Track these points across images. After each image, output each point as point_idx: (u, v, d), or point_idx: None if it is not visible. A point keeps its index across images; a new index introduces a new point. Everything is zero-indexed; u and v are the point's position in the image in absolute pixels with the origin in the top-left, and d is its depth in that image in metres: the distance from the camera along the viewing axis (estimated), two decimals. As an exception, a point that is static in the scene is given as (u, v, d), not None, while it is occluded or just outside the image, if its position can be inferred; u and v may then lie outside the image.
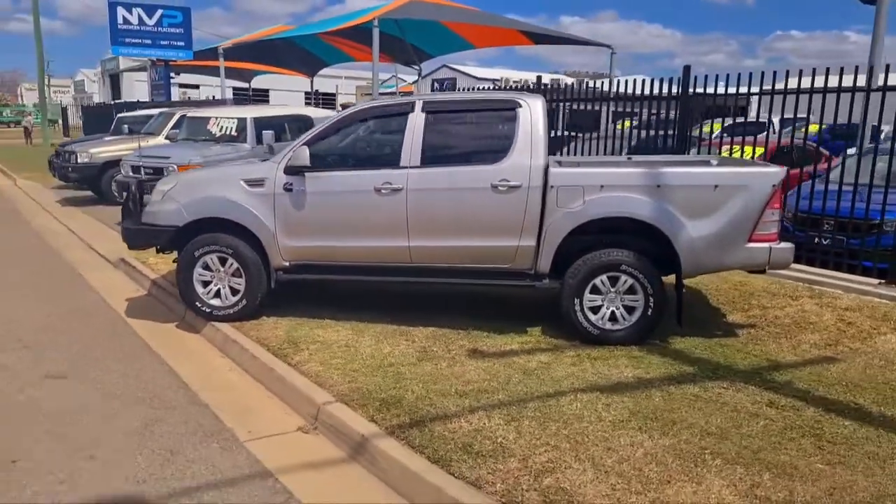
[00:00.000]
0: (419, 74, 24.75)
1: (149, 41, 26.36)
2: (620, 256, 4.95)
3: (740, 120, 8.51)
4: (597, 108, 9.79)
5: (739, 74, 7.67)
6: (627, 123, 9.37)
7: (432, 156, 5.16)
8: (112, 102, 32.82)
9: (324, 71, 28.88)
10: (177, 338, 5.41)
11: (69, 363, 4.77)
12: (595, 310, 5.04)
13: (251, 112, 10.77)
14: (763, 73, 7.44)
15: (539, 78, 10.46)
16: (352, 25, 18.45)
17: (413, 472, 3.19)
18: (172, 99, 27.53)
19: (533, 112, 5.08)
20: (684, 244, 4.86)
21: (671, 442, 3.48)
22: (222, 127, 10.58)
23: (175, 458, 3.48)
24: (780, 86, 7.15)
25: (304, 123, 11.19)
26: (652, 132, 8.68)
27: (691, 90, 8.06)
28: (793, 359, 4.86)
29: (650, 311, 4.97)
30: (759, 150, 8.03)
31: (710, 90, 7.95)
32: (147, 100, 27.18)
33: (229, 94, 25.51)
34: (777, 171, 4.88)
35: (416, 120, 5.17)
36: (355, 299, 6.01)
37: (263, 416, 4.04)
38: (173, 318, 5.87)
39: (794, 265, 7.19)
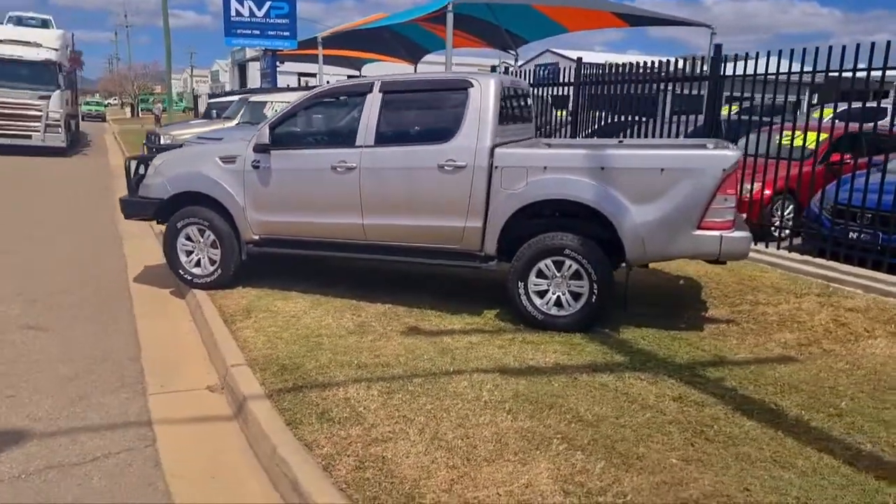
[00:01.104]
0: (515, 59, 24.58)
1: (257, 31, 27.93)
2: (564, 241, 4.83)
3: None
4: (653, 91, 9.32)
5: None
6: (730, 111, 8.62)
7: (385, 135, 5.26)
8: (238, 90, 35.08)
9: (428, 58, 29.32)
10: (161, 303, 5.87)
11: (55, 319, 5.33)
12: (542, 294, 4.96)
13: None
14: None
15: (579, 59, 10.15)
16: (436, 14, 18.71)
17: (264, 431, 3.36)
18: (279, 85, 28.97)
19: (483, 93, 5.04)
20: (628, 229, 4.67)
21: (530, 425, 3.43)
22: (276, 111, 11.18)
23: (80, 403, 3.87)
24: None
25: None
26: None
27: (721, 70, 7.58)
28: (744, 357, 4.55)
29: (594, 297, 4.82)
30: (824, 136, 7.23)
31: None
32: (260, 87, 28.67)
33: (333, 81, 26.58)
34: (728, 155, 4.56)
35: (374, 100, 5.29)
36: (332, 275, 6.24)
37: (186, 374, 4.36)
38: (172, 285, 6.36)
39: (821, 261, 6.72)
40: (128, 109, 63.44)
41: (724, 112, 8.14)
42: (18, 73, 18.71)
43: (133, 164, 6.19)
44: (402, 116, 5.39)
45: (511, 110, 5.65)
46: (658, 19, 21.10)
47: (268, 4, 28.09)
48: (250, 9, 27.90)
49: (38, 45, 19.45)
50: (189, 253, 5.87)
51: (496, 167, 4.93)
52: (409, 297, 5.61)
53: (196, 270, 5.86)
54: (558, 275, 4.90)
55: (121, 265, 7.21)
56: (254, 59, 40.56)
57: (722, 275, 6.48)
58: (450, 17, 15.95)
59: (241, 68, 52.37)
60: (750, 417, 3.62)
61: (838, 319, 5.25)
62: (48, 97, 18.84)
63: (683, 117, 8.05)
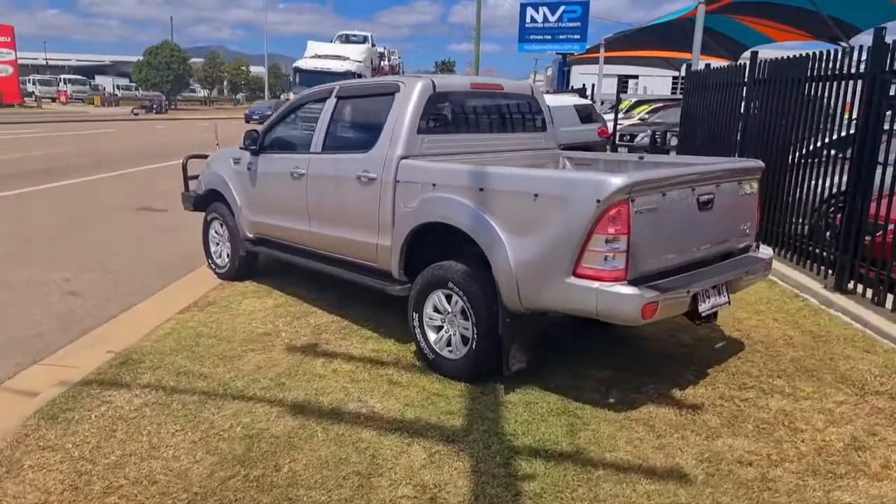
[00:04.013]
0: (849, 51, 20.62)
1: (549, 36, 28.39)
2: (449, 272, 4.11)
3: None
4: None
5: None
6: None
7: (331, 142, 5.07)
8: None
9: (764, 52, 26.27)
10: (194, 287, 6.47)
11: (90, 286, 6.23)
12: (438, 330, 4.31)
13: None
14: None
15: (754, 53, 8.11)
16: (720, 4, 16.87)
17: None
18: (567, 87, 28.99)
19: (404, 98, 4.52)
20: (502, 266, 3.76)
21: (202, 470, 3.08)
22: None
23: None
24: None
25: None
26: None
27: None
28: (621, 460, 3.35)
29: (474, 343, 4.02)
30: None
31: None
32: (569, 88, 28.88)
33: (607, 82, 25.64)
34: (604, 182, 3.33)
35: (329, 106, 5.14)
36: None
37: (87, 348, 4.72)
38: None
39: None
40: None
41: None
42: (325, 83, 22.16)
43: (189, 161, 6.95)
44: (346, 123, 5.12)
45: (477, 116, 4.96)
46: None
47: (562, 8, 28.28)
48: (544, 14, 28.41)
49: (346, 59, 22.77)
50: (217, 244, 6.44)
51: (398, 181, 4.40)
52: (364, 310, 5.35)
53: (219, 261, 6.41)
54: (450, 310, 4.19)
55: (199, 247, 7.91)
56: (578, 62, 41.19)
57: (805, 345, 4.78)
58: (701, 9, 14.39)
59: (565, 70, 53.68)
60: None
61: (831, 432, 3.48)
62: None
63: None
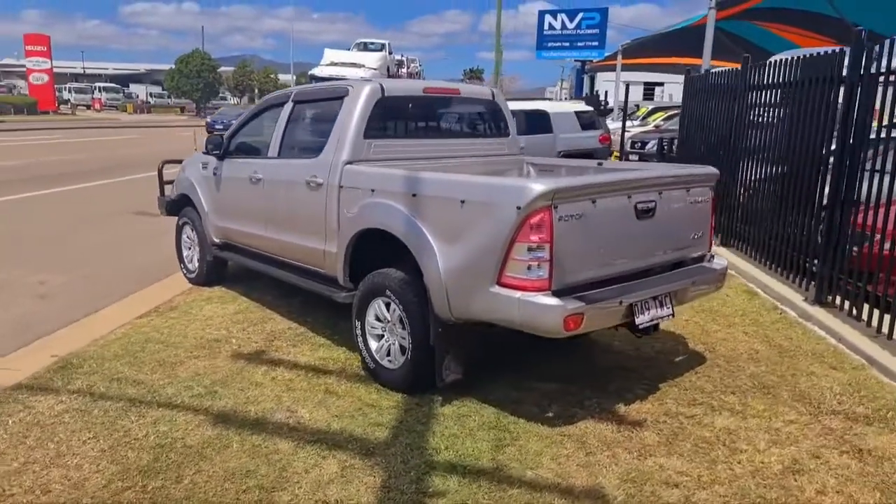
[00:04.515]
0: (877, 58, 20.07)
1: (567, 44, 28.23)
2: (387, 280, 4.01)
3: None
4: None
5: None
6: None
7: (286, 147, 5.01)
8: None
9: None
10: (163, 291, 6.43)
11: (62, 290, 6.24)
12: (379, 338, 4.21)
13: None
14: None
15: (746, 58, 7.85)
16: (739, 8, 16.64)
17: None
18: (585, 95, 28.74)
19: (351, 102, 4.45)
20: (432, 274, 3.65)
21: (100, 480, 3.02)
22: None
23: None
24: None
25: (539, 118, 11.14)
26: None
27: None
28: (530, 475, 3.21)
29: (410, 353, 3.91)
30: None
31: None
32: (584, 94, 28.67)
33: (631, 89, 25.21)
34: (524, 189, 3.20)
35: (286, 111, 5.09)
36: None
37: (35, 352, 4.68)
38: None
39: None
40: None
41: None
42: (340, 89, 22.23)
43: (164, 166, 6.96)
44: (300, 128, 5.06)
45: (431, 121, 4.87)
46: None
47: (580, 16, 28.15)
48: (563, 21, 28.26)
49: (361, 66, 22.81)
50: (189, 248, 6.43)
51: (342, 186, 4.33)
52: (331, 318, 5.26)
53: (190, 266, 6.40)
54: (389, 319, 4.09)
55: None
56: (602, 69, 40.88)
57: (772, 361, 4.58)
58: (711, 15, 14.20)
59: (591, 79, 53.32)
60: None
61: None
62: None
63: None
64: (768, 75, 6.90)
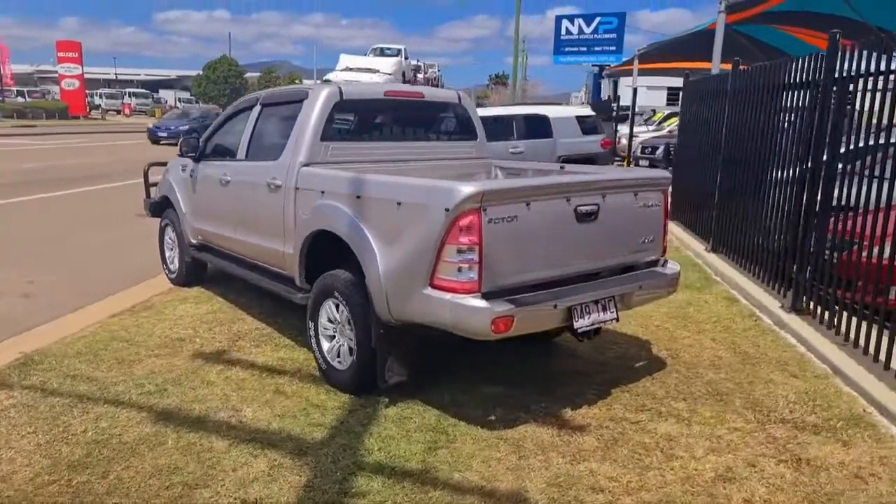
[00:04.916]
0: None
1: (584, 48, 28.06)
2: (335, 281, 4.04)
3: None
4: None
5: None
6: None
7: (252, 149, 5.08)
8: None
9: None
10: (145, 291, 6.48)
11: (50, 289, 6.39)
12: (331, 339, 4.24)
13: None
14: None
15: (736, 61, 7.74)
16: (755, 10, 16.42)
17: None
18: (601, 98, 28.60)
19: (308, 105, 4.50)
20: (373, 275, 3.67)
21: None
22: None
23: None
24: None
25: (538, 122, 11.14)
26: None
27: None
28: (456, 477, 3.21)
29: (356, 355, 3.93)
30: None
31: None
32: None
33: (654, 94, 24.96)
34: (453, 190, 3.20)
35: (255, 114, 5.16)
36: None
37: (3, 350, 4.81)
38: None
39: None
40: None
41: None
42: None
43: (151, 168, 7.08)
44: (265, 131, 5.10)
45: (393, 125, 4.89)
46: None
47: (597, 20, 27.96)
48: (580, 26, 28.10)
49: (375, 71, 22.99)
50: (171, 249, 6.54)
51: (297, 188, 4.37)
52: (299, 320, 5.26)
53: (171, 267, 6.51)
54: (339, 320, 4.12)
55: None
56: (625, 74, 40.53)
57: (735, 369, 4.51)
58: (721, 18, 14.04)
59: (615, 83, 52.94)
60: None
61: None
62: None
63: None
64: (750, 79, 6.80)
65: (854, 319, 4.67)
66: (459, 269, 3.25)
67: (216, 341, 4.91)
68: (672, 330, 5.31)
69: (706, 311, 5.81)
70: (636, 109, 22.10)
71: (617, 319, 3.81)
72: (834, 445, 3.49)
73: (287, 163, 4.47)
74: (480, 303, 3.21)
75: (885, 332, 4.22)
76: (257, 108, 5.14)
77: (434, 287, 3.34)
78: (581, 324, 3.59)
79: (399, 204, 3.49)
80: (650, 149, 16.91)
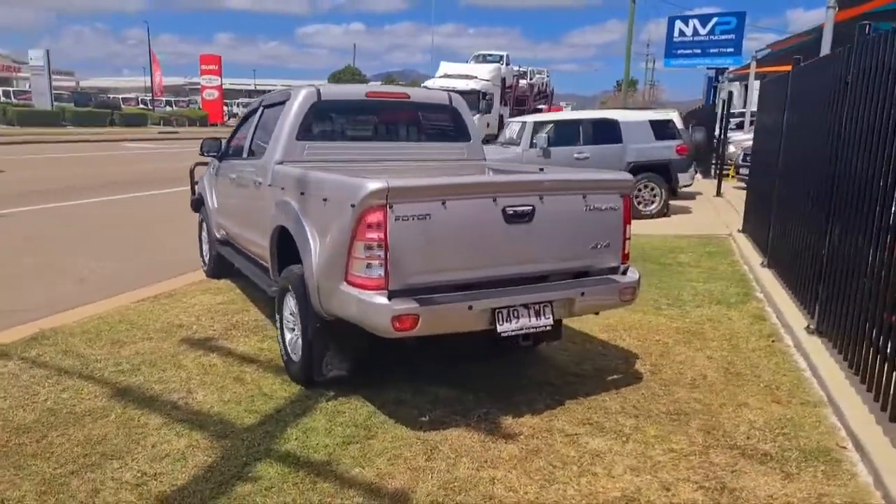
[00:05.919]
0: None
1: (698, 50, 26.83)
2: (290, 276, 4.16)
3: None
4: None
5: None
6: None
7: (252, 149, 5.35)
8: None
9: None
10: (180, 282, 6.92)
11: (104, 276, 7.04)
12: (292, 331, 4.38)
13: (530, 118, 11.23)
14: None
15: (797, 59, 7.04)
16: None
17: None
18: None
19: (289, 105, 4.67)
20: (308, 269, 3.77)
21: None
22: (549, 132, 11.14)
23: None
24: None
25: (607, 127, 10.90)
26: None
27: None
28: (354, 472, 3.22)
29: (303, 348, 4.05)
30: None
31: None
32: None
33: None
34: (361, 185, 3.19)
35: (258, 115, 5.43)
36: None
37: (31, 326, 5.27)
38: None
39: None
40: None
41: None
42: (452, 101, 22.67)
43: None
44: (261, 131, 5.33)
45: (375, 125, 4.97)
46: None
47: (714, 20, 26.70)
48: (694, 27, 26.95)
49: (472, 78, 23.14)
50: (206, 243, 6.97)
51: (271, 185, 4.55)
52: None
53: (206, 259, 6.95)
54: (296, 313, 4.24)
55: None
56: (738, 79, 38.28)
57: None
58: (830, 14, 12.99)
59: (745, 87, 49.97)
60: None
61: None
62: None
63: None
64: (802, 81, 6.24)
65: (864, 346, 4.16)
66: (368, 266, 3.26)
67: (211, 329, 5.19)
68: (671, 345, 4.98)
69: (723, 328, 5.40)
70: (749, 116, 20.73)
71: (553, 326, 3.65)
72: (773, 477, 3.15)
73: (268, 161, 4.67)
74: (381, 300, 3.21)
75: (884, 360, 3.73)
76: (260, 110, 5.40)
77: (348, 283, 3.38)
78: (506, 328, 3.48)
79: (325, 200, 3.56)
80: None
